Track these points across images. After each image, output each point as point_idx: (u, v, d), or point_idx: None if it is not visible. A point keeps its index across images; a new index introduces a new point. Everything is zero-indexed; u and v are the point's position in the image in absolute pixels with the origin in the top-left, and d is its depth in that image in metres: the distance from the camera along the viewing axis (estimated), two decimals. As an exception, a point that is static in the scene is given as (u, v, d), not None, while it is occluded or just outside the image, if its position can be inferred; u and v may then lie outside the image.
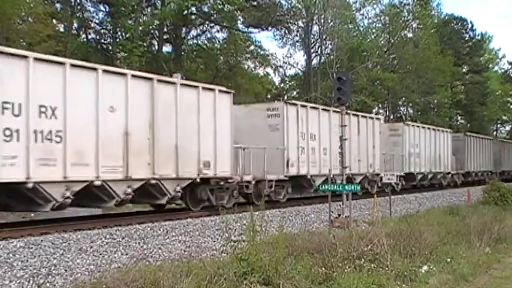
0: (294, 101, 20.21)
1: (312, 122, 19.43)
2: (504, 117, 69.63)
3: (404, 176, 25.35)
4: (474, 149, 35.71)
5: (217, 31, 36.68)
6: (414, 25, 46.97)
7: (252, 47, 38.22)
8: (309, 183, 19.46)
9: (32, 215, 14.59)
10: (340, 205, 15.60)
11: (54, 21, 27.64)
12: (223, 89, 15.92)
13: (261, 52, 38.61)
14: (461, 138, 34.60)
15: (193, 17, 33.96)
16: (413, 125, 28.32)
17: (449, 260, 11.04)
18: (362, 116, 23.07)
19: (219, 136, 15.02)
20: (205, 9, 33.18)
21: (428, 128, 30.00)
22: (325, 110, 20.70)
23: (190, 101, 14.20)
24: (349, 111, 21.12)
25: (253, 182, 16.55)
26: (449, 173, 31.51)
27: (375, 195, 18.68)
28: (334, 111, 20.34)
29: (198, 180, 14.39)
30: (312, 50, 42.65)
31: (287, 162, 18.15)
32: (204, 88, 14.89)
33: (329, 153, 19.97)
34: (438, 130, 31.05)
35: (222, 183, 15.41)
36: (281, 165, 18.00)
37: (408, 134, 26.73)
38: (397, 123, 29.56)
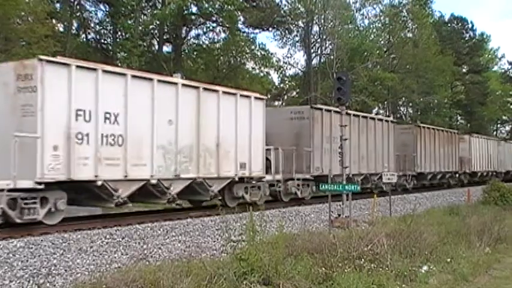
0: None
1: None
2: (504, 117, 69.65)
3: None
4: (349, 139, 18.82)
5: (218, 32, 36.70)
6: (413, 25, 46.96)
7: (252, 47, 38.21)
8: None
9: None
10: (340, 205, 15.62)
11: (54, 21, 27.59)
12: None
13: (264, 54, 38.55)
14: (306, 115, 19.26)
15: (193, 17, 33.95)
16: (147, 78, 12.99)
17: (449, 260, 11.05)
18: None
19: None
20: (205, 8, 33.12)
21: (214, 91, 14.74)
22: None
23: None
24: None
25: None
26: (260, 179, 16.44)
27: (375, 195, 18.67)
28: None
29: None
30: (312, 50, 42.66)
31: None
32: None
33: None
34: (245, 97, 15.81)
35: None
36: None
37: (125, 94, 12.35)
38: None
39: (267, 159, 16.91)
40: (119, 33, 31.99)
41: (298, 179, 18.38)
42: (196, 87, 14.43)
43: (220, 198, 15.64)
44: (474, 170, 34.76)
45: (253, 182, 16.33)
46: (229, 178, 15.37)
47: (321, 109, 20.21)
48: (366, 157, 22.49)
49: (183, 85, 14.00)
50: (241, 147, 15.60)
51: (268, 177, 16.97)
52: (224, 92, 15.31)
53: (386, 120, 25.02)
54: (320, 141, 19.61)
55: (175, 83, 13.80)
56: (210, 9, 32.49)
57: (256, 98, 16.57)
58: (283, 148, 17.78)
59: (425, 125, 30.55)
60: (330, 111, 20.36)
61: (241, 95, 15.82)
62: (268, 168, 16.97)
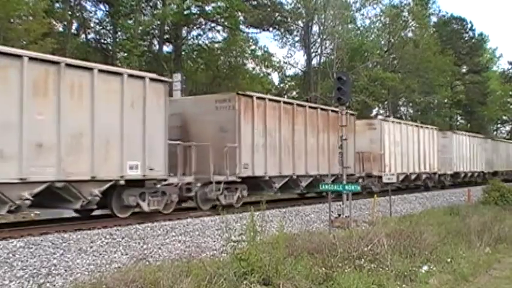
0: None
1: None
2: (504, 117, 69.67)
3: None
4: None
5: (218, 31, 36.68)
6: (414, 25, 46.95)
7: (252, 47, 38.26)
8: None
9: (32, 214, 14.61)
10: (340, 205, 15.63)
11: (53, 20, 27.56)
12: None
13: (265, 54, 38.56)
14: None
15: (194, 17, 33.94)
16: None
17: (449, 260, 11.04)
18: None
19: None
20: (208, 9, 33.11)
21: None
22: None
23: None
24: None
25: None
26: None
27: (375, 195, 18.66)
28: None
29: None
30: (312, 50, 42.65)
31: None
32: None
33: None
34: None
35: None
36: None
37: None
38: None
39: None
40: (119, 33, 32.01)
41: None
42: None
43: None
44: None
45: None
46: None
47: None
48: (90, 149, 11.43)
49: None
50: None
51: None
52: None
53: (152, 79, 12.88)
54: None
55: None
56: (213, 12, 32.46)
57: None
58: None
59: (265, 96, 17.93)
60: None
61: None
62: None
